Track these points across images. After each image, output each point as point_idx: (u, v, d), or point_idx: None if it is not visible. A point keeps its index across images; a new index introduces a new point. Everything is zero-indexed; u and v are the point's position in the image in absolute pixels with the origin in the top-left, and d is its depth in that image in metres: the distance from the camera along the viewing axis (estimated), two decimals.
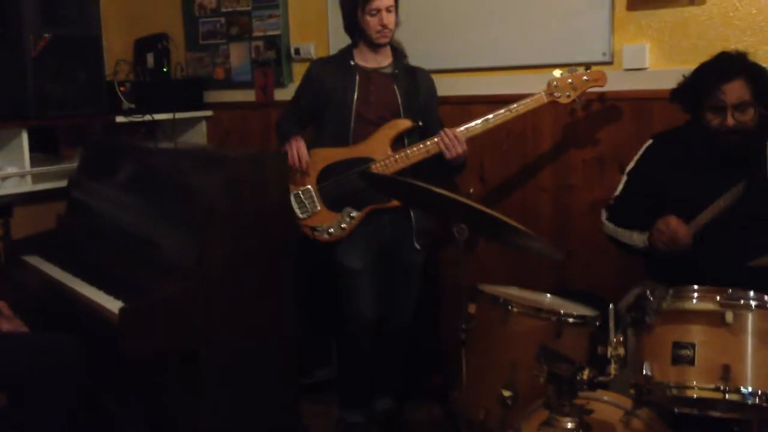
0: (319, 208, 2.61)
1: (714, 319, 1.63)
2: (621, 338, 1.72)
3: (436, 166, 2.58)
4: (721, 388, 1.58)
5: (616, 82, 2.57)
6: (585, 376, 1.63)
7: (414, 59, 2.77)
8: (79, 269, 2.51)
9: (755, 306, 1.62)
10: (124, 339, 2.06)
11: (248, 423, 2.32)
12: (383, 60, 2.67)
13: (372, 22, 2.56)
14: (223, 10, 3.56)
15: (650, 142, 2.32)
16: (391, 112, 2.62)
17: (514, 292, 2.20)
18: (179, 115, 3.48)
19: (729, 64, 2.11)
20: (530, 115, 2.70)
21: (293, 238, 2.48)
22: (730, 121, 2.08)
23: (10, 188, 2.95)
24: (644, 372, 1.65)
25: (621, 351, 1.71)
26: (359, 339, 2.71)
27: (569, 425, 1.62)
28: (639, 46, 2.56)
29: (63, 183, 3.03)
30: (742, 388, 1.58)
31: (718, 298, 1.64)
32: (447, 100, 2.85)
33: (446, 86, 2.86)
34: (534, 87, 2.56)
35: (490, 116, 2.54)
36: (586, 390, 1.67)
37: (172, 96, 3.47)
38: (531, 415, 1.80)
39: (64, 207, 2.97)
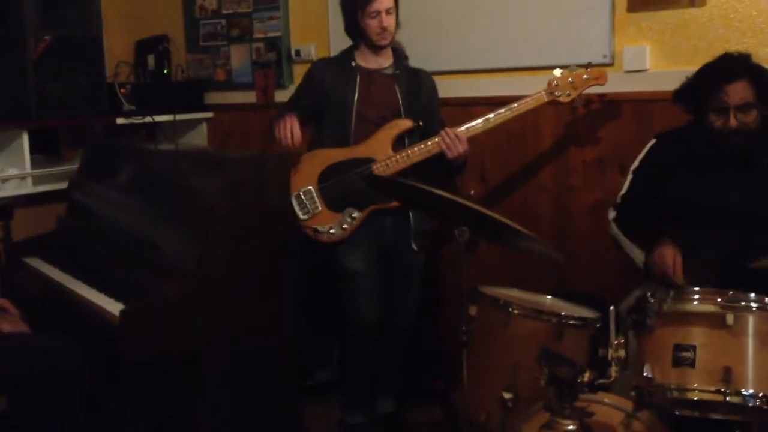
0: (320, 208, 2.61)
1: (715, 321, 1.63)
2: (622, 340, 1.72)
3: (437, 166, 2.58)
4: (722, 390, 1.58)
5: (616, 84, 2.57)
6: (586, 379, 1.63)
7: (414, 61, 2.77)
8: (79, 271, 2.51)
9: (756, 308, 1.62)
10: (124, 341, 2.06)
11: (249, 424, 2.32)
12: (384, 61, 2.67)
13: (372, 24, 2.56)
14: (224, 11, 3.57)
15: (654, 141, 2.32)
16: (392, 112, 2.63)
17: (514, 293, 2.19)
18: (180, 117, 3.48)
19: (732, 66, 2.11)
20: (531, 116, 2.70)
21: (294, 239, 2.47)
22: (732, 122, 2.08)
23: (10, 190, 2.95)
24: (645, 374, 1.65)
25: (622, 353, 1.71)
26: (360, 340, 2.71)
27: (570, 427, 1.62)
28: (639, 48, 2.56)
29: (63, 185, 3.03)
30: (742, 391, 1.58)
31: (718, 300, 1.64)
32: (447, 102, 2.85)
33: (446, 88, 2.86)
34: (534, 88, 2.55)
35: (491, 115, 2.54)
36: (587, 392, 1.67)
37: (172, 97, 3.48)
38: (532, 417, 1.80)
39: (65, 209, 2.97)
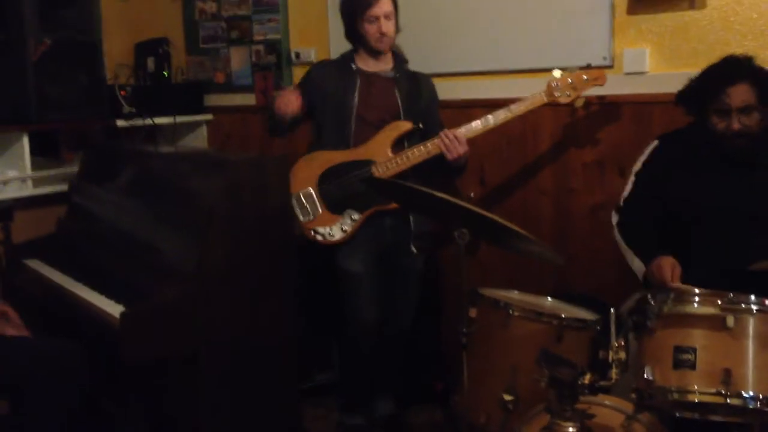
0: (320, 210, 2.61)
1: (715, 323, 1.62)
2: (622, 342, 1.71)
3: (437, 168, 2.59)
4: (723, 392, 1.58)
5: (616, 86, 2.58)
6: (586, 381, 1.63)
7: (414, 63, 2.77)
8: (79, 273, 2.51)
9: (756, 310, 1.62)
10: (125, 343, 2.06)
11: (248, 426, 2.32)
12: (384, 65, 2.68)
13: (371, 29, 2.57)
14: (224, 14, 3.57)
15: (656, 143, 2.31)
16: (392, 114, 2.63)
17: (514, 295, 2.20)
18: (180, 119, 3.48)
19: (735, 68, 2.11)
20: (530, 118, 2.71)
21: (294, 241, 2.48)
22: (735, 124, 2.08)
23: (10, 192, 2.95)
24: (645, 376, 1.65)
25: (622, 355, 1.70)
26: (360, 342, 2.71)
27: (570, 430, 1.62)
28: (639, 50, 2.56)
29: (64, 187, 3.03)
30: (743, 393, 1.58)
31: (719, 302, 1.64)
32: (447, 104, 2.85)
33: (447, 90, 2.86)
34: (534, 90, 2.55)
35: (491, 116, 2.54)
36: (588, 394, 1.67)
37: (172, 100, 3.47)
38: (532, 419, 1.80)
39: (65, 211, 2.97)
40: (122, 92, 3.26)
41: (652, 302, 1.69)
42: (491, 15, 2.84)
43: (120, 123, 3.24)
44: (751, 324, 1.62)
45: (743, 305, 1.62)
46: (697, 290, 1.70)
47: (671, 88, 2.31)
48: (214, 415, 2.24)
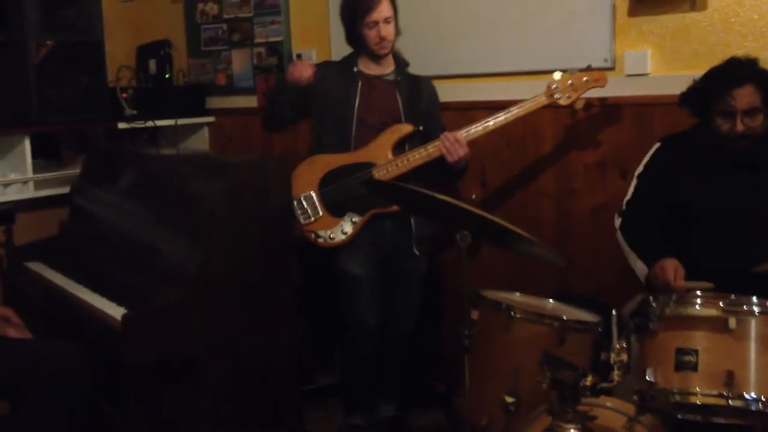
0: (321, 213, 2.62)
1: (717, 325, 1.62)
2: (624, 344, 1.71)
3: (438, 170, 2.59)
4: (725, 394, 1.58)
5: (617, 88, 2.58)
6: (588, 383, 1.63)
7: (415, 65, 2.77)
8: (81, 275, 2.51)
9: (758, 312, 1.62)
10: (126, 345, 2.06)
11: (250, 429, 2.32)
12: (386, 68, 2.69)
13: (371, 34, 2.58)
14: (225, 16, 3.57)
15: (658, 145, 2.31)
16: (393, 117, 2.63)
17: (516, 297, 2.20)
18: (181, 121, 3.48)
19: (739, 70, 2.11)
20: (531, 120, 2.71)
21: (295, 243, 2.48)
22: (739, 126, 2.08)
23: (12, 194, 2.95)
24: (647, 378, 1.64)
25: (624, 357, 1.70)
26: (361, 345, 2.71)
27: (572, 431, 1.62)
28: (641, 52, 2.56)
29: (65, 189, 3.04)
30: (745, 395, 1.58)
31: (721, 304, 1.64)
32: (448, 106, 2.85)
33: (448, 92, 2.86)
34: (535, 92, 2.56)
35: (491, 119, 2.54)
36: (590, 396, 1.67)
37: (174, 102, 3.48)
38: (534, 421, 1.79)
39: (67, 213, 2.97)
40: (124, 94, 3.26)
41: (654, 304, 1.69)
42: (492, 17, 2.84)
43: (121, 125, 3.25)
44: (753, 326, 1.62)
45: (745, 307, 1.62)
46: (699, 292, 1.69)
47: (672, 90, 2.31)
48: (215, 417, 2.24)
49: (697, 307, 1.66)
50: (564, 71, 2.54)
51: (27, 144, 2.95)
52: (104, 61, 3.14)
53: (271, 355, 2.36)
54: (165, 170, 2.60)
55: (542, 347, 1.77)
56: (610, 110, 2.65)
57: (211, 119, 3.68)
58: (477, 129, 2.55)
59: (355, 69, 2.66)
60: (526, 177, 2.87)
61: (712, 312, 1.64)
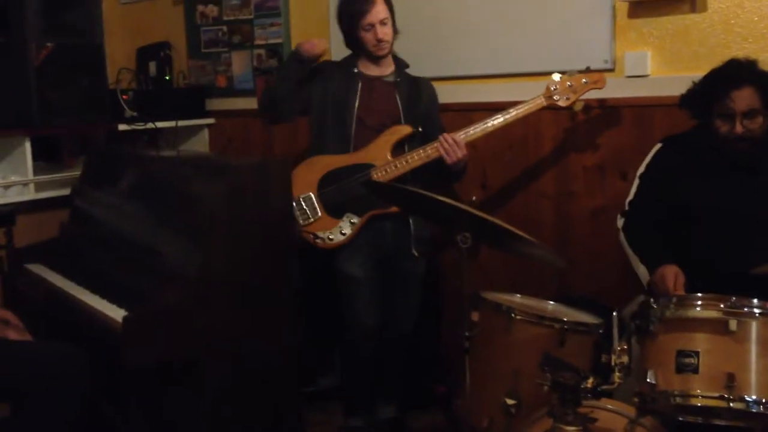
0: (320, 214, 2.62)
1: (718, 327, 1.62)
2: (625, 346, 1.71)
3: (436, 171, 2.59)
4: (726, 396, 1.58)
5: (617, 89, 2.58)
6: (589, 385, 1.63)
7: (416, 67, 2.78)
8: (82, 277, 2.51)
9: (759, 314, 1.62)
10: (127, 347, 2.06)
11: (250, 431, 2.32)
12: (385, 69, 2.69)
13: (367, 37, 2.59)
14: (225, 18, 3.58)
15: (660, 145, 2.31)
16: (392, 119, 2.64)
17: (516, 299, 2.20)
18: (181, 123, 3.48)
19: (739, 72, 2.11)
20: (531, 122, 2.71)
21: (296, 245, 2.47)
22: (738, 128, 2.08)
23: (13, 196, 2.95)
24: (648, 380, 1.64)
25: (625, 359, 1.70)
26: (360, 346, 2.71)
27: None
28: (640, 53, 2.56)
29: (66, 191, 3.04)
30: (746, 397, 1.58)
31: (721, 305, 1.64)
32: (449, 108, 2.86)
33: (448, 94, 2.86)
34: (535, 94, 2.56)
35: (489, 121, 2.55)
36: (590, 398, 1.67)
37: (174, 104, 3.48)
38: (534, 423, 1.79)
39: (67, 215, 2.97)
40: (124, 96, 3.26)
41: (655, 306, 1.69)
42: (493, 19, 2.84)
43: (122, 127, 3.25)
44: (753, 328, 1.62)
45: (746, 309, 1.62)
46: (699, 294, 1.69)
47: (672, 91, 2.31)
48: (215, 419, 2.24)
49: (697, 309, 1.66)
50: (563, 73, 2.54)
51: (27, 146, 2.95)
52: (104, 63, 3.14)
53: (272, 357, 2.35)
54: (165, 172, 2.60)
55: (543, 349, 1.77)
56: (610, 112, 2.65)
57: (211, 121, 3.68)
58: (476, 130, 2.55)
59: (355, 70, 2.67)
60: (526, 179, 2.87)
61: (712, 314, 1.64)
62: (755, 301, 1.63)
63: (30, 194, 3.00)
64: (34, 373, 2.09)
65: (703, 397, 1.60)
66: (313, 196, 2.63)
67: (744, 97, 2.07)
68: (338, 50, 3.02)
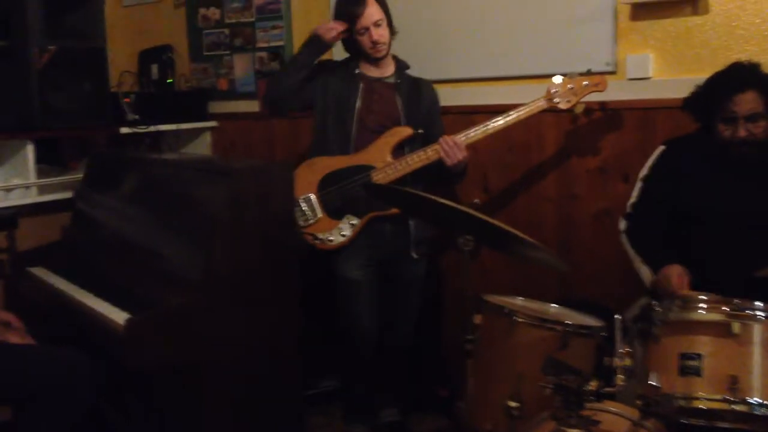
0: (320, 215, 2.62)
1: (721, 330, 1.63)
2: (628, 349, 1.71)
3: (437, 173, 2.59)
4: (729, 399, 1.58)
5: (619, 92, 2.58)
6: (592, 387, 1.63)
7: (417, 70, 2.78)
8: (84, 280, 2.51)
9: (762, 317, 1.63)
10: (129, 350, 2.06)
11: None
12: (386, 70, 2.69)
13: (363, 40, 2.60)
14: (227, 21, 3.58)
15: (663, 148, 2.31)
16: (393, 121, 2.64)
17: (518, 302, 2.20)
18: (183, 126, 3.49)
19: (741, 75, 2.12)
20: (533, 124, 2.71)
21: (298, 248, 2.48)
22: (741, 132, 2.08)
23: (15, 199, 2.95)
24: (651, 383, 1.64)
25: (628, 362, 1.70)
26: (360, 349, 2.71)
27: None
28: (642, 56, 2.56)
29: (68, 194, 3.04)
30: (749, 399, 1.58)
31: (724, 308, 1.64)
32: (450, 110, 2.86)
33: (449, 96, 2.87)
34: (537, 97, 2.56)
35: (490, 123, 2.55)
36: (593, 401, 1.67)
37: (176, 107, 3.49)
38: (538, 426, 1.79)
39: (70, 218, 2.97)
40: (126, 99, 3.26)
41: (658, 309, 1.69)
42: (495, 22, 2.84)
43: (124, 130, 3.25)
44: (757, 330, 1.62)
45: (749, 312, 1.63)
46: (702, 297, 1.69)
47: (675, 94, 2.31)
48: (217, 422, 2.24)
49: (700, 311, 1.67)
50: (564, 75, 2.54)
51: (30, 149, 2.95)
52: (107, 67, 3.14)
53: (274, 360, 2.36)
54: (167, 175, 2.60)
55: (545, 352, 1.77)
56: (612, 114, 2.65)
57: (213, 124, 3.68)
58: (476, 132, 2.55)
59: (357, 71, 2.67)
60: (528, 182, 2.87)
61: (715, 317, 1.64)
62: (758, 303, 1.64)
63: (32, 197, 3.00)
64: (36, 377, 2.09)
65: (706, 399, 1.60)
66: (313, 197, 2.63)
67: (747, 101, 2.07)
68: (340, 52, 3.02)
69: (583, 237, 2.75)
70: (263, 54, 3.48)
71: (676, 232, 2.21)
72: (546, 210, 2.83)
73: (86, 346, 2.27)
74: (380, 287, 2.68)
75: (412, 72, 2.76)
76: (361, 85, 2.65)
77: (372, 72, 2.68)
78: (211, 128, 3.69)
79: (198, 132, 3.68)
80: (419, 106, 2.68)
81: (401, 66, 2.73)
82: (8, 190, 2.95)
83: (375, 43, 2.59)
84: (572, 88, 2.52)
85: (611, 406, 1.79)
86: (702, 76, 2.24)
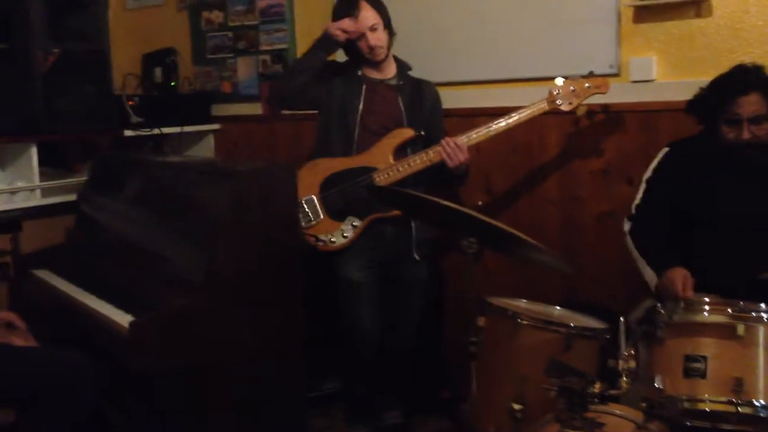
0: (322, 217, 2.62)
1: (725, 332, 1.62)
2: (632, 351, 1.71)
3: (438, 175, 2.59)
4: (734, 401, 1.58)
5: (623, 94, 2.58)
6: (596, 390, 1.63)
7: (419, 72, 2.78)
8: (87, 283, 2.51)
9: (767, 319, 1.61)
10: (133, 352, 2.06)
11: None
12: (388, 72, 2.70)
13: (361, 45, 2.61)
14: (231, 24, 3.59)
15: (667, 150, 2.31)
16: (395, 122, 2.65)
17: (522, 304, 2.19)
18: (187, 129, 3.50)
19: (745, 77, 2.12)
20: (536, 126, 2.71)
21: (301, 250, 2.48)
22: (745, 134, 2.08)
23: (19, 202, 2.96)
24: (656, 385, 1.64)
25: (632, 364, 1.70)
26: (361, 351, 2.71)
27: None
28: (646, 59, 2.56)
29: (72, 197, 3.04)
30: (754, 401, 1.58)
31: (729, 310, 1.63)
32: (452, 113, 2.86)
33: (452, 99, 2.87)
34: (539, 99, 2.56)
35: (492, 125, 2.55)
36: (597, 403, 1.67)
37: (179, 110, 3.49)
38: (542, 428, 1.78)
39: (73, 221, 2.98)
40: (130, 102, 3.28)
41: (662, 311, 1.69)
42: (498, 24, 2.85)
43: (128, 133, 3.26)
44: (761, 332, 1.62)
45: (754, 314, 1.62)
46: (707, 299, 1.69)
47: (678, 96, 2.31)
48: (220, 424, 2.24)
49: (705, 313, 1.66)
50: (566, 77, 2.54)
51: (34, 152, 2.96)
52: (110, 70, 3.15)
53: (277, 362, 2.35)
54: (171, 177, 2.60)
55: (549, 354, 1.77)
56: (615, 117, 2.65)
57: (216, 126, 3.69)
58: (478, 134, 2.55)
59: (360, 73, 2.68)
60: (531, 184, 2.87)
61: (720, 319, 1.64)
62: (763, 305, 1.63)
63: (36, 200, 3.01)
64: (39, 379, 2.09)
65: (710, 401, 1.60)
66: (315, 198, 2.63)
67: (751, 103, 2.07)
68: (342, 55, 3.02)
69: (587, 239, 2.75)
70: (266, 57, 3.49)
71: (679, 234, 2.21)
72: (549, 212, 2.83)
73: (89, 347, 2.27)
74: (382, 289, 2.68)
75: (414, 74, 2.76)
76: (364, 87, 2.65)
77: (374, 74, 2.69)
78: (214, 131, 3.70)
79: (201, 134, 3.69)
80: (421, 107, 2.69)
81: (403, 67, 2.73)
82: (12, 192, 2.95)
83: (372, 48, 2.60)
84: (574, 90, 2.52)
85: (615, 408, 1.78)
86: (705, 78, 2.24)
